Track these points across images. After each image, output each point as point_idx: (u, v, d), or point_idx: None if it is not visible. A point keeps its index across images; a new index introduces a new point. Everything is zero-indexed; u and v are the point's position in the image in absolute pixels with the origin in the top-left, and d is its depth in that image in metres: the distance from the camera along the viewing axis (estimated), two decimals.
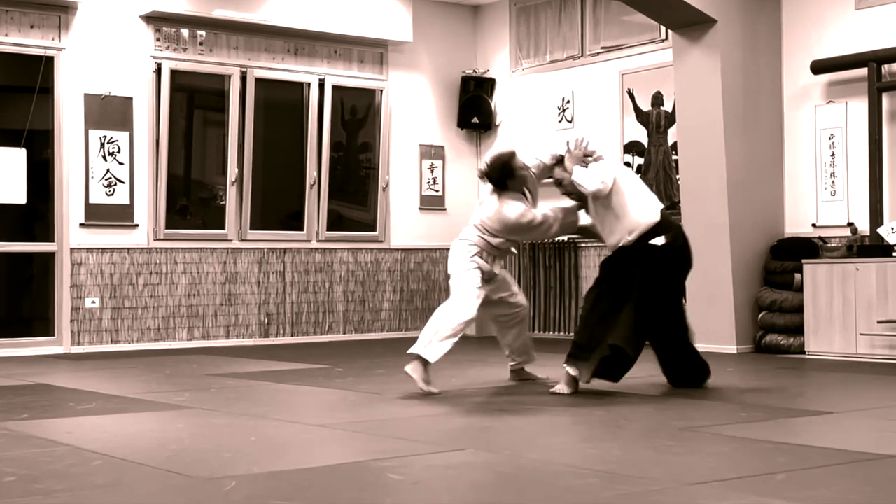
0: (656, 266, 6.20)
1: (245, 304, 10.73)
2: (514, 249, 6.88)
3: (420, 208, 11.87)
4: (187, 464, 4.20)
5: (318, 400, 6.33)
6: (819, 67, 9.12)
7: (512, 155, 6.43)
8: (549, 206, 6.56)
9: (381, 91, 11.62)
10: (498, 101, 11.99)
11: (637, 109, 10.52)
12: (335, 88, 11.29)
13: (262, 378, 7.45)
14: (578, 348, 6.21)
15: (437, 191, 11.98)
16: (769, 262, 9.29)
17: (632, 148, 10.52)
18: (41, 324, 9.98)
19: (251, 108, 10.74)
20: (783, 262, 9.15)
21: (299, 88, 11.17)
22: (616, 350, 6.11)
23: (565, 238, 6.90)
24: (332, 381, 7.17)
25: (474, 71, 12.08)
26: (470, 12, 12.22)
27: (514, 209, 6.41)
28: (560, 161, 6.48)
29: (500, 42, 11.98)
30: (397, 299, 11.66)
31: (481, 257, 6.47)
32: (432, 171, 11.96)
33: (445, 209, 12.02)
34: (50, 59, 9.82)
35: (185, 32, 10.44)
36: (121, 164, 10.05)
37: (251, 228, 10.78)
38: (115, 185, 10.01)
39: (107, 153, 9.98)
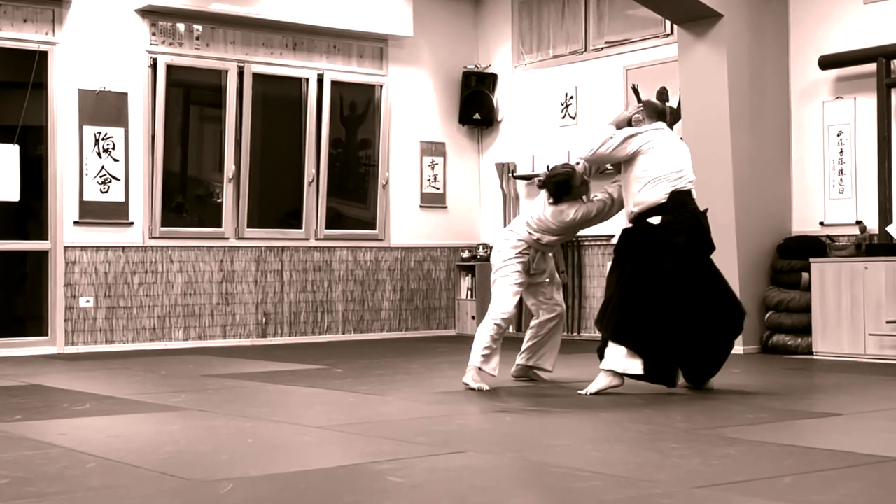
0: (646, 244, 6.30)
1: (242, 304, 10.73)
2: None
3: (420, 206, 11.86)
4: (183, 466, 4.20)
5: (316, 401, 6.33)
6: (827, 63, 9.11)
7: (571, 174, 6.67)
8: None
9: (381, 86, 11.62)
10: (500, 97, 11.99)
11: None
12: (334, 84, 11.29)
13: (260, 379, 7.45)
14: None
15: (437, 188, 11.98)
16: (776, 260, 9.29)
17: None
18: (34, 323, 9.98)
19: (249, 103, 10.73)
20: (790, 260, 9.14)
21: (298, 84, 11.17)
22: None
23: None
24: (331, 382, 7.17)
25: (476, 66, 12.07)
26: (471, 6, 12.21)
27: (574, 210, 6.68)
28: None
29: (503, 36, 11.97)
30: (397, 299, 11.65)
31: (526, 252, 6.69)
32: (433, 168, 11.96)
33: (446, 207, 12.01)
34: (44, 54, 9.82)
35: (181, 27, 10.44)
36: (116, 160, 10.04)
37: (248, 226, 10.78)
38: (110, 182, 10.01)
39: (101, 150, 9.97)
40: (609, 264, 6.74)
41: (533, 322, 6.96)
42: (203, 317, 10.51)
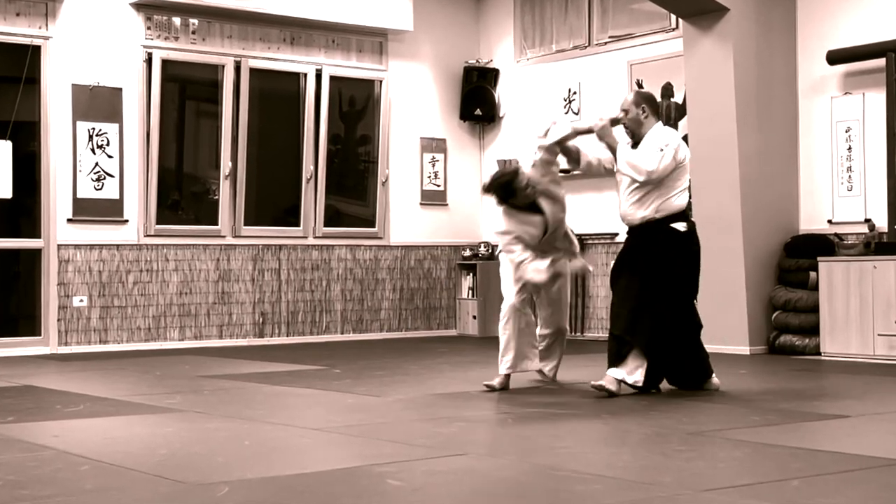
0: (675, 250, 6.30)
1: (239, 303, 10.73)
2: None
3: (421, 203, 11.86)
4: (178, 469, 4.20)
5: (314, 402, 6.33)
6: (835, 57, 9.11)
7: (513, 178, 6.48)
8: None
9: (381, 82, 11.62)
10: (502, 93, 11.98)
11: None
12: (333, 79, 11.28)
13: (257, 380, 7.45)
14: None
15: (438, 185, 11.98)
16: (783, 259, 9.29)
17: None
18: (27, 323, 9.98)
19: (245, 99, 10.73)
20: (798, 259, 9.14)
21: (296, 79, 11.17)
22: (618, 340, 6.22)
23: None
24: (330, 383, 7.17)
25: (477, 61, 12.07)
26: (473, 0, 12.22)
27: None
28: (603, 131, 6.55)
29: (504, 31, 11.97)
30: (397, 298, 11.66)
31: (520, 242, 6.57)
32: (433, 165, 11.96)
33: (447, 204, 12.01)
34: (36, 49, 9.81)
35: (176, 20, 10.44)
36: (110, 157, 10.04)
37: (245, 224, 10.78)
38: (104, 179, 10.01)
39: (95, 146, 9.97)
40: (613, 263, 6.74)
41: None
42: (199, 316, 10.51)
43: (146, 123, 10.25)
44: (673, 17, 10.11)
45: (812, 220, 9.38)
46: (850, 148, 9.13)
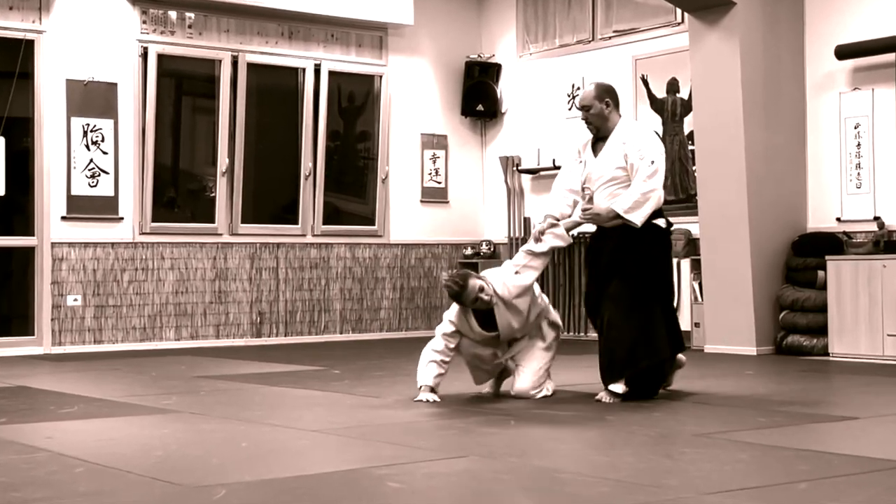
0: (659, 247, 6.25)
1: (236, 302, 10.73)
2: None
3: (421, 201, 11.86)
4: (174, 471, 4.20)
5: (312, 404, 6.33)
6: (844, 52, 9.10)
7: (460, 292, 6.07)
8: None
9: (381, 77, 11.62)
10: (504, 88, 11.99)
11: (651, 97, 10.51)
12: (332, 74, 11.29)
13: (254, 380, 7.45)
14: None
15: (439, 182, 11.98)
16: (791, 258, 9.29)
17: None
18: (20, 323, 9.99)
19: (243, 94, 10.73)
20: (805, 258, 9.14)
21: (294, 74, 11.17)
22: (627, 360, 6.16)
23: (575, 233, 6.81)
24: (328, 384, 7.17)
25: (479, 56, 12.06)
26: None
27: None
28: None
29: (507, 25, 11.97)
30: (397, 297, 11.66)
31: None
32: (434, 162, 11.96)
33: (448, 202, 12.02)
34: (30, 43, 9.82)
35: (172, 14, 10.44)
36: (105, 153, 10.05)
37: (242, 222, 10.78)
38: (99, 175, 10.01)
39: (90, 142, 9.98)
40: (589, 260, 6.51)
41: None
42: (195, 316, 10.52)
43: (142, 119, 10.25)
44: (678, 11, 10.11)
45: (820, 218, 9.38)
46: (858, 144, 9.13)
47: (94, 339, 10.01)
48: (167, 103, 10.71)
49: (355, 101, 11.69)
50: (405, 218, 11.74)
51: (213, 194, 10.72)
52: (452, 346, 6.20)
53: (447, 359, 6.20)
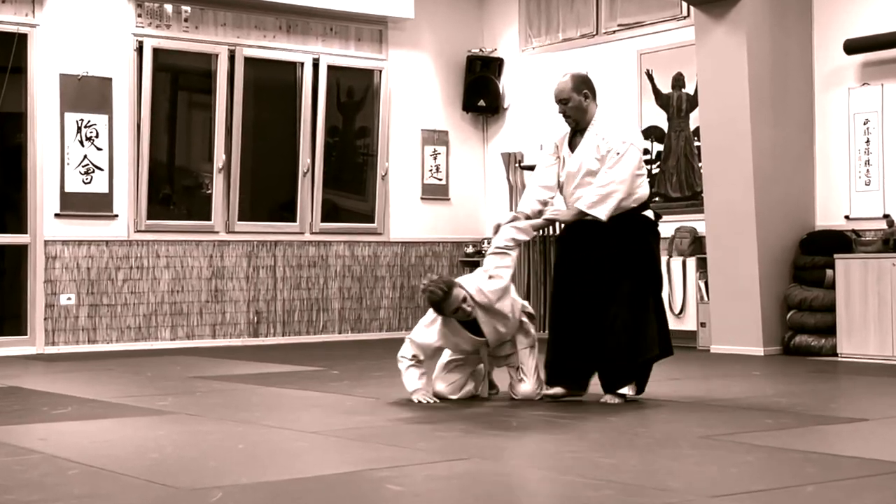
0: (652, 237, 6.20)
1: (233, 302, 10.73)
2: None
3: (422, 198, 11.87)
4: (170, 473, 4.20)
5: (311, 405, 6.33)
6: (853, 47, 9.10)
7: (442, 299, 6.00)
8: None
9: (381, 71, 11.62)
10: (506, 83, 11.98)
11: (656, 92, 10.51)
12: (331, 69, 11.28)
13: (251, 381, 7.46)
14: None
15: (440, 179, 11.98)
16: (798, 257, 9.29)
17: (651, 133, 10.51)
18: (13, 322, 9.99)
19: (240, 89, 10.73)
20: (813, 256, 9.14)
21: (292, 68, 11.17)
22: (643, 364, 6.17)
23: (559, 230, 6.68)
24: (327, 385, 7.17)
25: (481, 50, 12.07)
26: None
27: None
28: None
29: (509, 19, 11.97)
30: (397, 296, 11.66)
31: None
32: (435, 158, 11.96)
33: (449, 199, 12.02)
34: (23, 37, 9.82)
35: (168, 8, 10.44)
36: (99, 149, 10.05)
37: (239, 219, 10.78)
38: (93, 172, 10.01)
39: (84, 138, 9.98)
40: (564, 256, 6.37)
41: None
42: (191, 315, 10.52)
43: (137, 115, 10.25)
44: (684, 4, 10.10)
45: (828, 216, 9.38)
46: (868, 141, 9.13)
47: (88, 339, 10.01)
48: (163, 98, 10.71)
49: (354, 96, 11.69)
50: (405, 215, 11.75)
51: (209, 191, 10.72)
52: (421, 357, 6.20)
53: (421, 360, 6.18)
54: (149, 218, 10.31)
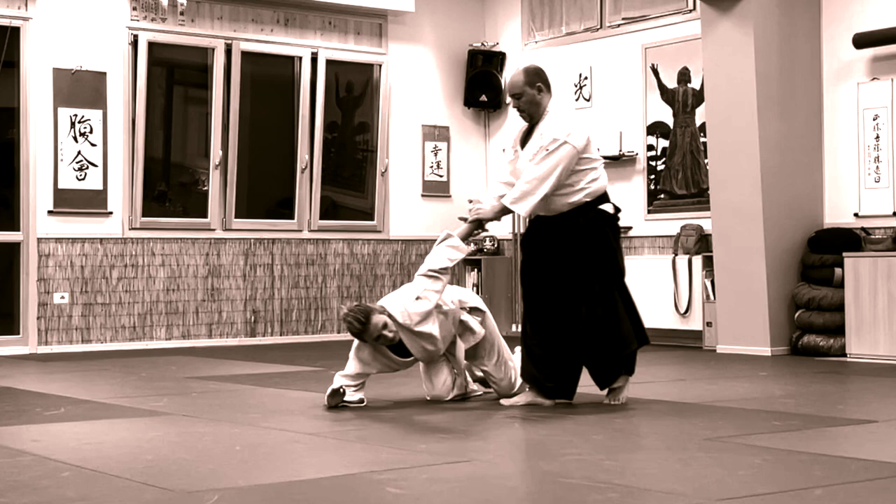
0: (613, 232, 6.13)
1: (229, 300, 10.74)
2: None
3: (422, 195, 11.87)
4: (165, 476, 4.20)
5: (309, 406, 6.33)
6: (862, 41, 9.10)
7: (362, 331, 5.94)
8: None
9: (380, 66, 11.62)
10: (508, 78, 11.96)
11: (661, 87, 10.50)
12: (329, 63, 11.28)
13: (248, 382, 7.46)
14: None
15: (440, 176, 11.98)
16: (807, 255, 9.29)
17: (656, 129, 10.51)
18: (5, 321, 9.99)
19: (237, 84, 10.73)
20: (822, 255, 9.14)
21: (290, 63, 11.17)
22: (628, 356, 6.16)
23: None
24: (326, 385, 7.16)
25: (482, 44, 12.06)
26: None
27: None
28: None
29: (511, 12, 11.97)
30: None
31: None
32: (436, 155, 11.96)
33: (450, 196, 12.02)
34: (16, 31, 9.82)
35: (164, 1, 10.43)
36: (93, 145, 10.05)
37: (236, 217, 10.78)
38: (87, 168, 10.01)
39: (78, 133, 9.98)
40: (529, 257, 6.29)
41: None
42: (187, 314, 10.52)
43: (131, 110, 10.25)
44: None
45: (837, 214, 9.38)
46: (877, 137, 9.13)
47: (81, 339, 10.01)
48: (158, 93, 10.71)
49: (354, 91, 11.69)
50: (405, 212, 11.75)
51: (205, 188, 10.72)
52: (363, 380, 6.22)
53: (363, 382, 6.21)
54: (144, 215, 10.31)
